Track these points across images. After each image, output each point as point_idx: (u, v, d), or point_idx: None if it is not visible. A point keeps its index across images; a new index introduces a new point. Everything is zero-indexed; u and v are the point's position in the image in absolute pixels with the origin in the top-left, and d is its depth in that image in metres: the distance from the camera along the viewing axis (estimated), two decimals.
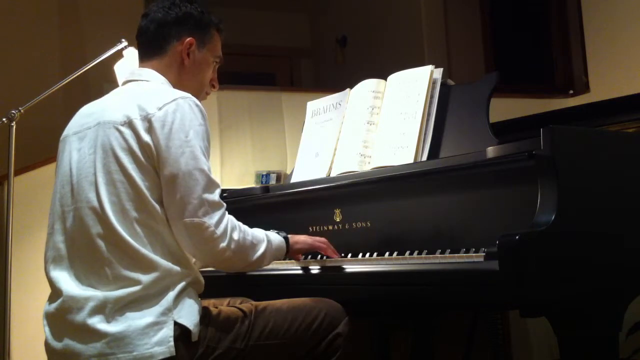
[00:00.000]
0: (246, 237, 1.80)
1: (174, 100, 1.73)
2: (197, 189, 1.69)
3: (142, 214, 1.68)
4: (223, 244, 1.73)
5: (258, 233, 1.87)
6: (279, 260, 2.04)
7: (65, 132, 1.88)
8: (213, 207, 1.71)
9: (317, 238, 2.10)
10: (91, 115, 1.82)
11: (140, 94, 1.78)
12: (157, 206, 1.70)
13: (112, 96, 1.88)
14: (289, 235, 2.01)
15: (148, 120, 1.70)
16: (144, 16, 1.93)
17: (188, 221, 1.68)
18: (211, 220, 1.70)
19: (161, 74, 1.87)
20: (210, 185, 1.72)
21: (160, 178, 1.70)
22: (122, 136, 1.71)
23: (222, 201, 1.75)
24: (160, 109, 1.71)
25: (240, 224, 1.82)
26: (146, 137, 1.69)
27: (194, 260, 1.82)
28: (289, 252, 2.00)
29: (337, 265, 2.04)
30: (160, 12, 1.90)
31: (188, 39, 1.89)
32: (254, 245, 1.83)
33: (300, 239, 2.06)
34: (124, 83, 1.90)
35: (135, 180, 1.69)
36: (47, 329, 1.75)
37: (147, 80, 1.86)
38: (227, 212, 1.76)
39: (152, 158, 1.70)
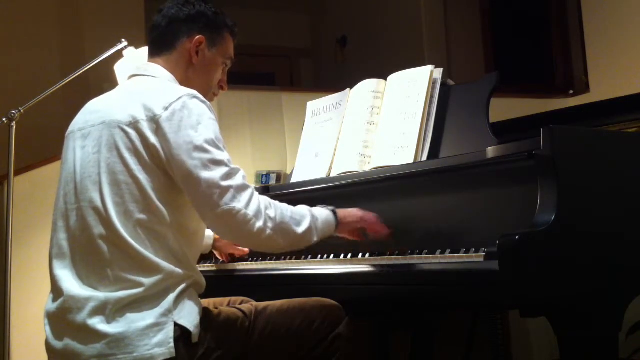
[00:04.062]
0: (285, 212, 1.77)
1: (179, 98, 1.71)
2: (217, 179, 1.67)
3: (146, 216, 1.68)
4: (259, 224, 1.70)
5: (299, 208, 1.84)
6: (329, 236, 1.92)
7: (71, 127, 1.87)
8: (238, 190, 1.69)
9: (367, 212, 2.01)
10: (96, 112, 1.81)
11: (145, 93, 1.77)
12: (162, 208, 1.69)
13: (117, 93, 1.87)
14: (337, 210, 1.94)
15: (155, 122, 1.69)
16: (158, 12, 1.92)
17: (218, 211, 1.67)
18: (240, 203, 1.68)
19: (169, 70, 1.86)
20: (230, 172, 1.70)
21: (173, 178, 1.70)
22: (127, 137, 1.70)
23: (247, 183, 1.73)
24: (166, 108, 1.69)
25: (277, 202, 1.78)
26: (153, 139, 1.68)
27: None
28: (339, 227, 1.93)
29: (337, 265, 2.04)
30: (174, 9, 1.90)
31: (197, 37, 1.88)
32: (296, 221, 1.79)
33: (351, 212, 1.98)
34: (130, 77, 1.90)
35: (141, 182, 1.68)
36: (47, 328, 1.75)
37: (154, 76, 1.84)
38: (256, 192, 1.74)
39: (158, 159, 1.69)
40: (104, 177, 1.70)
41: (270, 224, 1.72)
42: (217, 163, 1.69)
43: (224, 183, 1.68)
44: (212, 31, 1.91)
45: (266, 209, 1.73)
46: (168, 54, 1.88)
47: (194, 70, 1.89)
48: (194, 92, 1.76)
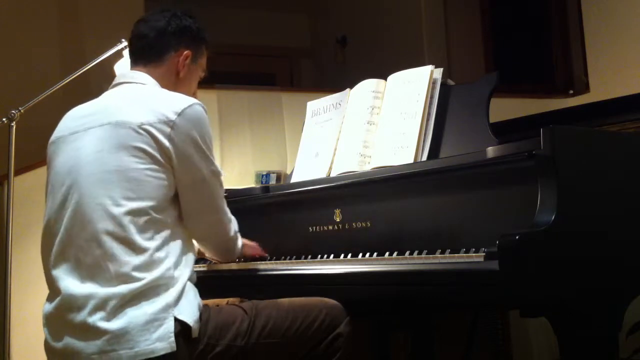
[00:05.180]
0: (236, 228, 2.04)
1: (189, 106, 1.79)
2: (217, 190, 1.87)
3: (155, 212, 1.72)
4: (230, 234, 1.98)
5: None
6: None
7: (58, 134, 1.89)
8: (224, 203, 1.92)
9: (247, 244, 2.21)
10: (90, 116, 1.83)
11: (151, 97, 1.82)
12: (170, 205, 1.76)
13: (114, 98, 1.88)
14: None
15: (169, 126, 1.74)
16: (143, 22, 1.96)
17: (212, 218, 1.89)
18: (224, 216, 1.93)
19: (155, 80, 1.91)
20: (222, 183, 1.90)
21: (177, 179, 1.77)
22: (140, 137, 1.73)
23: None
24: (179, 115, 1.76)
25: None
26: (166, 142, 1.74)
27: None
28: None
29: (337, 265, 2.04)
30: (162, 21, 1.94)
31: (186, 52, 1.95)
32: (237, 237, 2.05)
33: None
34: (116, 85, 1.93)
35: (153, 180, 1.72)
36: (46, 330, 1.75)
37: (143, 84, 1.88)
38: None
39: (170, 159, 1.75)
40: (113, 175, 1.72)
41: (235, 237, 2.02)
42: (217, 175, 1.86)
43: (219, 195, 1.88)
44: (195, 45, 1.99)
45: (234, 222, 2.01)
46: (155, 65, 1.93)
47: (180, 83, 1.96)
48: (198, 101, 1.84)
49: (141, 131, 1.73)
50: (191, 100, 1.81)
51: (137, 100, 1.81)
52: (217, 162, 1.84)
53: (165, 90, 1.88)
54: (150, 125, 1.73)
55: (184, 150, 1.76)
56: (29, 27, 4.53)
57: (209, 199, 1.85)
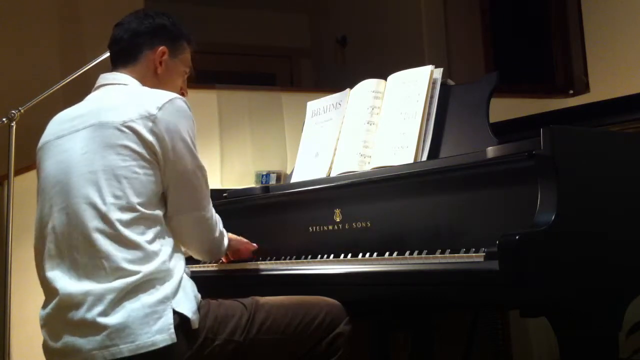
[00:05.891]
0: (222, 227, 2.02)
1: (170, 100, 1.79)
2: (203, 186, 1.87)
3: (145, 208, 1.73)
4: (216, 234, 1.97)
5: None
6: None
7: (45, 138, 1.90)
8: (209, 201, 1.91)
9: (235, 240, 2.22)
10: (77, 118, 1.84)
11: (134, 95, 1.83)
12: (161, 201, 1.78)
13: (97, 100, 1.89)
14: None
15: (151, 121, 1.75)
16: (118, 26, 2.00)
17: (198, 214, 1.87)
18: (210, 213, 1.91)
19: (136, 79, 1.92)
20: (207, 179, 1.89)
21: (164, 175, 1.77)
22: (124, 135, 1.74)
23: None
24: (160, 109, 1.76)
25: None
26: (149, 137, 1.74)
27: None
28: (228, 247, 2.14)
29: (337, 265, 2.04)
30: (134, 23, 1.97)
31: (161, 48, 1.96)
32: (223, 236, 2.04)
33: (232, 237, 2.18)
34: (99, 87, 1.94)
35: (141, 177, 1.73)
36: (44, 331, 1.75)
37: (125, 84, 1.90)
38: None
39: (156, 155, 1.75)
40: (101, 174, 1.73)
41: (220, 235, 2.00)
42: (201, 169, 1.86)
43: (205, 191, 1.88)
44: (173, 42, 1.99)
45: (220, 222, 1.99)
46: (132, 65, 1.94)
47: (158, 80, 1.96)
48: (179, 95, 1.85)
49: (125, 129, 1.75)
50: (172, 94, 1.83)
51: (120, 99, 1.83)
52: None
53: (147, 88, 1.89)
54: (133, 122, 1.75)
55: (167, 143, 1.76)
56: (29, 27, 4.53)
57: (194, 195, 1.84)
